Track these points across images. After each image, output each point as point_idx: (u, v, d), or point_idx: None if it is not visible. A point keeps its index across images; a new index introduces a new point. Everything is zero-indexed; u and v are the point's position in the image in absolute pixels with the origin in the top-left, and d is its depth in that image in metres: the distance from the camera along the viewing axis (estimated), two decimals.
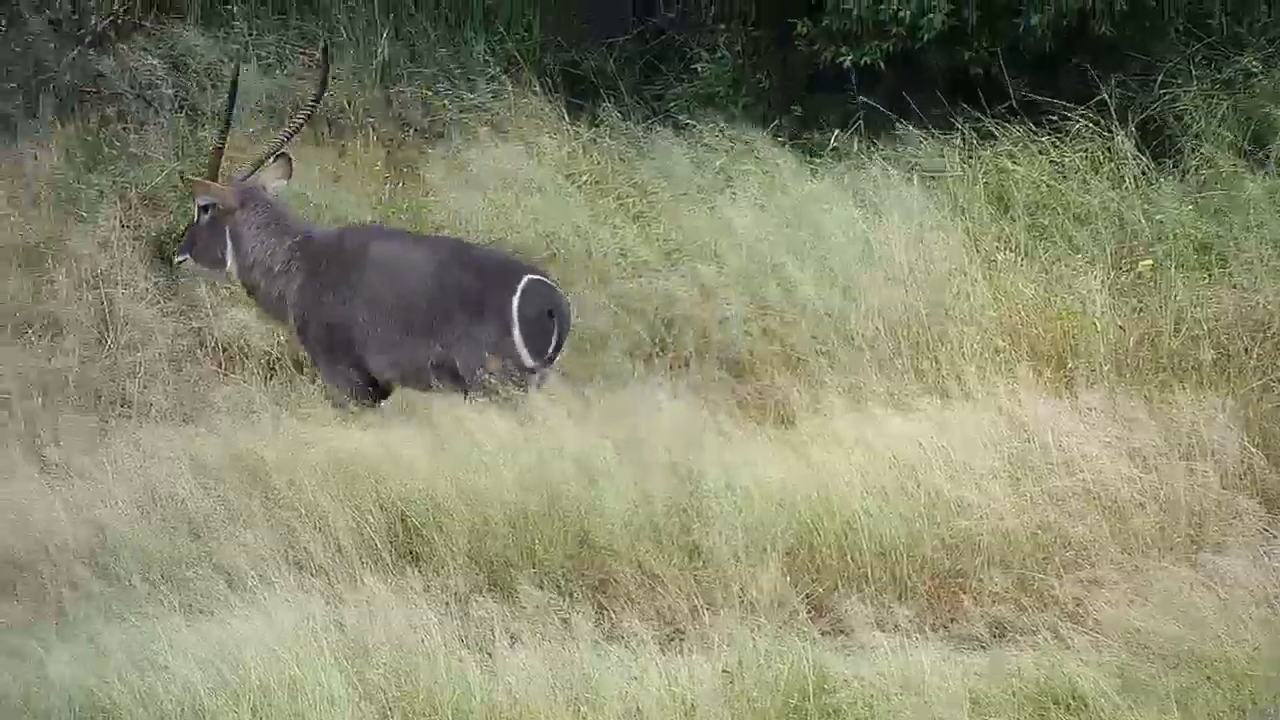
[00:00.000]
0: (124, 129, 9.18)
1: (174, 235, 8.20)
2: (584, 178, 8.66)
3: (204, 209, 7.66)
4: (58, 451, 6.36)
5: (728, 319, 7.33)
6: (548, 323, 7.09)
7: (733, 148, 8.48)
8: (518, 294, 7.13)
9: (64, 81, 9.50)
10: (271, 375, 7.40)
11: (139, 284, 7.87)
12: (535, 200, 8.26)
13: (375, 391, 7.40)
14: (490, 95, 9.40)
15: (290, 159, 7.65)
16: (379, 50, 9.84)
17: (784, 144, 8.47)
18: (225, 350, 7.58)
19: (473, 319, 7.19)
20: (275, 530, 5.69)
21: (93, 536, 5.80)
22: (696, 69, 9.53)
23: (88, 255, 7.99)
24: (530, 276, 7.23)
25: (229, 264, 7.64)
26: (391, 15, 10.05)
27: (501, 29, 10.18)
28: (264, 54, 9.74)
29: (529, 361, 7.02)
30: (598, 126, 9.07)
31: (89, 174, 8.68)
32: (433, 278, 7.27)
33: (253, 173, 7.66)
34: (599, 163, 8.80)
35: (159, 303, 7.87)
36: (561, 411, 6.06)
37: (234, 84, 7.76)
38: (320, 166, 8.67)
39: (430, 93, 9.55)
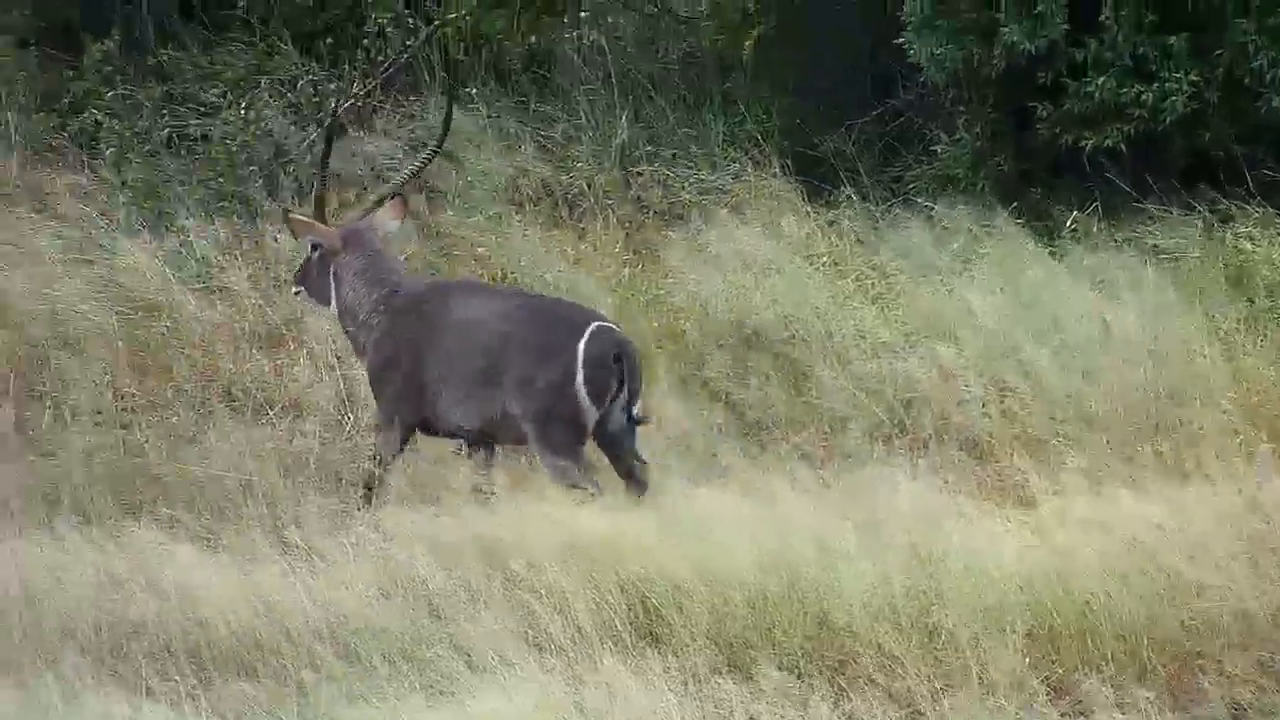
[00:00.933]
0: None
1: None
2: (823, 259, 9.20)
3: (314, 247, 8.31)
4: (299, 533, 6.84)
5: (967, 400, 7.75)
6: (612, 368, 7.57)
7: (971, 229, 8.96)
8: (584, 339, 7.64)
9: (303, 164, 10.43)
10: (509, 456, 7.86)
11: None
12: (774, 282, 8.77)
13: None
14: (729, 177, 10.01)
15: (405, 202, 8.32)
16: (618, 133, 10.49)
17: (1022, 225, 8.94)
18: None
19: (537, 365, 7.72)
20: (515, 611, 6.14)
21: (334, 618, 6.26)
22: (935, 151, 9.99)
23: (328, 337, 8.69)
24: (598, 323, 7.76)
25: (332, 304, 8.29)
26: (631, 98, 10.72)
27: (741, 111, 10.72)
28: (503, 136, 10.50)
29: (588, 406, 7.55)
30: (837, 208, 9.63)
31: None
32: (503, 327, 7.81)
33: (365, 215, 8.29)
34: (838, 244, 9.33)
35: None
36: (800, 492, 6.46)
37: (332, 122, 8.52)
38: (560, 249, 9.34)
39: (669, 174, 10.15)
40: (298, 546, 6.76)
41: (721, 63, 11.14)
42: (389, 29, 11.04)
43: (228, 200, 10.27)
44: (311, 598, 6.33)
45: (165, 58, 11.56)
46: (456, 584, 6.33)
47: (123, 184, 10.51)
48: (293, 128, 10.64)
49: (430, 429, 7.99)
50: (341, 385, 8.53)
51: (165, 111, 11.14)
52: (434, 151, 8.67)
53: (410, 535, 6.74)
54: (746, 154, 10.22)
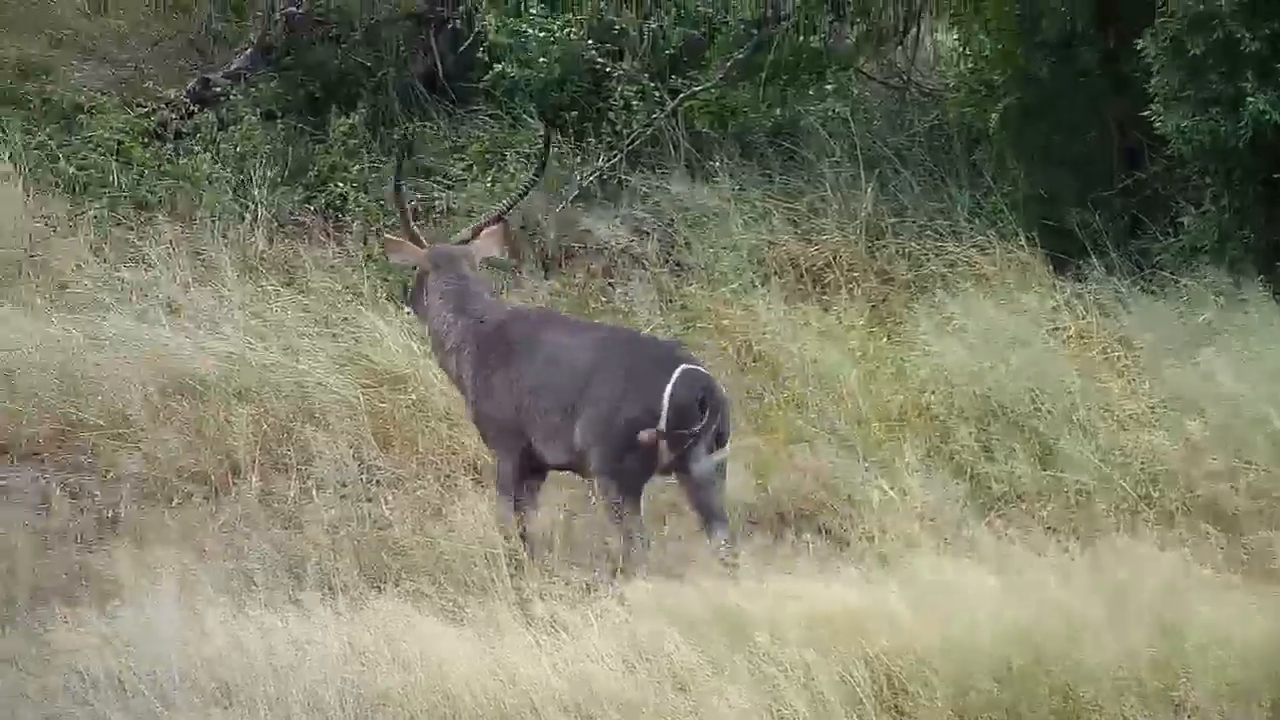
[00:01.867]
0: (610, 284, 10.74)
1: None
2: (1068, 332, 9.62)
3: (413, 268, 8.91)
4: (544, 605, 7.27)
5: (1214, 473, 8.10)
6: (697, 412, 7.98)
7: (1218, 301, 9.35)
8: (671, 381, 8.06)
9: (550, 237, 11.18)
10: (753, 530, 8.41)
11: None
12: (1020, 355, 9.18)
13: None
14: (975, 249, 10.49)
15: (509, 230, 8.91)
16: (864, 205, 11.08)
17: (1270, 297, 9.29)
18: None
19: (620, 400, 8.15)
20: (759, 685, 6.53)
21: (579, 690, 6.68)
22: (1182, 223, 10.36)
23: None
24: (686, 365, 8.17)
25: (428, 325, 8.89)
26: (876, 171, 11.30)
27: (987, 183, 11.28)
28: (748, 208, 11.12)
29: (664, 450, 7.99)
30: (1083, 281, 10.05)
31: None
32: (589, 359, 8.27)
33: (466, 240, 8.87)
34: (1083, 317, 9.74)
35: None
36: (1046, 565, 6.86)
37: (403, 146, 9.11)
38: (805, 321, 9.84)
39: (915, 247, 10.67)
40: (542, 619, 7.15)
41: (967, 135, 11.69)
42: (634, 102, 11.86)
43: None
44: (556, 670, 6.72)
45: (411, 131, 12.54)
46: (701, 657, 6.69)
47: (368, 257, 11.32)
48: (537, 200, 11.30)
49: (530, 462, 8.43)
50: None
51: (411, 184, 11.79)
52: (533, 181, 9.29)
53: (654, 608, 7.12)
54: (992, 226, 10.72)
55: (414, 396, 9.63)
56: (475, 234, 8.91)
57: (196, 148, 12.53)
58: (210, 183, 12.16)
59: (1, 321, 10.33)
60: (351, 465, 9.08)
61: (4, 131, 12.51)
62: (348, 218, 11.90)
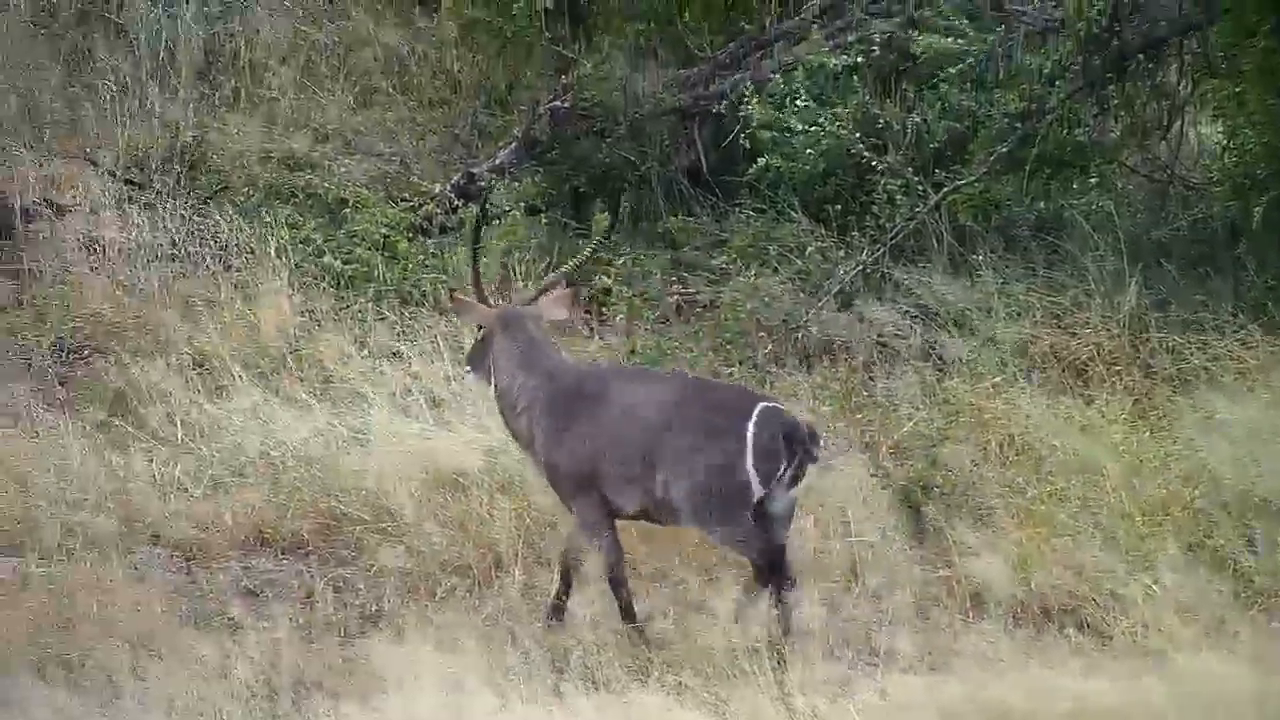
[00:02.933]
0: (870, 378, 11.22)
1: (918, 481, 10.00)
2: None
3: (478, 328, 9.48)
4: (805, 699, 7.83)
5: None
6: (780, 448, 8.59)
7: None
8: (752, 420, 8.67)
9: (812, 331, 11.67)
10: (1018, 623, 8.80)
11: (887, 530, 9.52)
12: None
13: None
14: (1238, 343, 10.80)
15: (578, 293, 9.50)
16: (1127, 299, 11.38)
17: None
18: (973, 597, 9.04)
19: (702, 445, 8.74)
20: None
21: None
22: None
23: (837, 502, 9.69)
24: (765, 404, 8.77)
25: (493, 385, 9.41)
26: (1139, 264, 11.63)
27: (1250, 277, 11.60)
28: (1010, 302, 11.53)
29: (756, 485, 8.59)
30: None
31: (836, 423, 10.57)
32: (666, 409, 8.85)
33: (533, 300, 9.44)
34: None
35: (907, 549, 9.49)
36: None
37: (484, 202, 9.60)
38: (1067, 416, 10.23)
39: (1178, 341, 10.99)
40: (804, 713, 7.69)
41: (1230, 228, 12.02)
42: (898, 196, 12.31)
43: (736, 366, 11.47)
44: None
45: (674, 224, 13.23)
46: None
47: (631, 350, 11.87)
48: (801, 295, 11.89)
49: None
50: (853, 551, 9.45)
51: (674, 278, 12.61)
52: (600, 243, 10.01)
53: (917, 702, 7.64)
54: (1256, 320, 10.99)
55: None
56: (540, 295, 9.54)
57: (460, 242, 13.19)
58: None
59: (266, 415, 11.01)
60: None
61: (271, 225, 13.34)
62: (610, 311, 12.50)
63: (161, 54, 16.33)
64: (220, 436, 10.94)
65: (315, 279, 13.00)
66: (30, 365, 12.31)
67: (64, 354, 12.52)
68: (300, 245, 13.32)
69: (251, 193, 14.30)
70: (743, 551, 8.93)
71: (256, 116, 15.96)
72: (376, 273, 13.09)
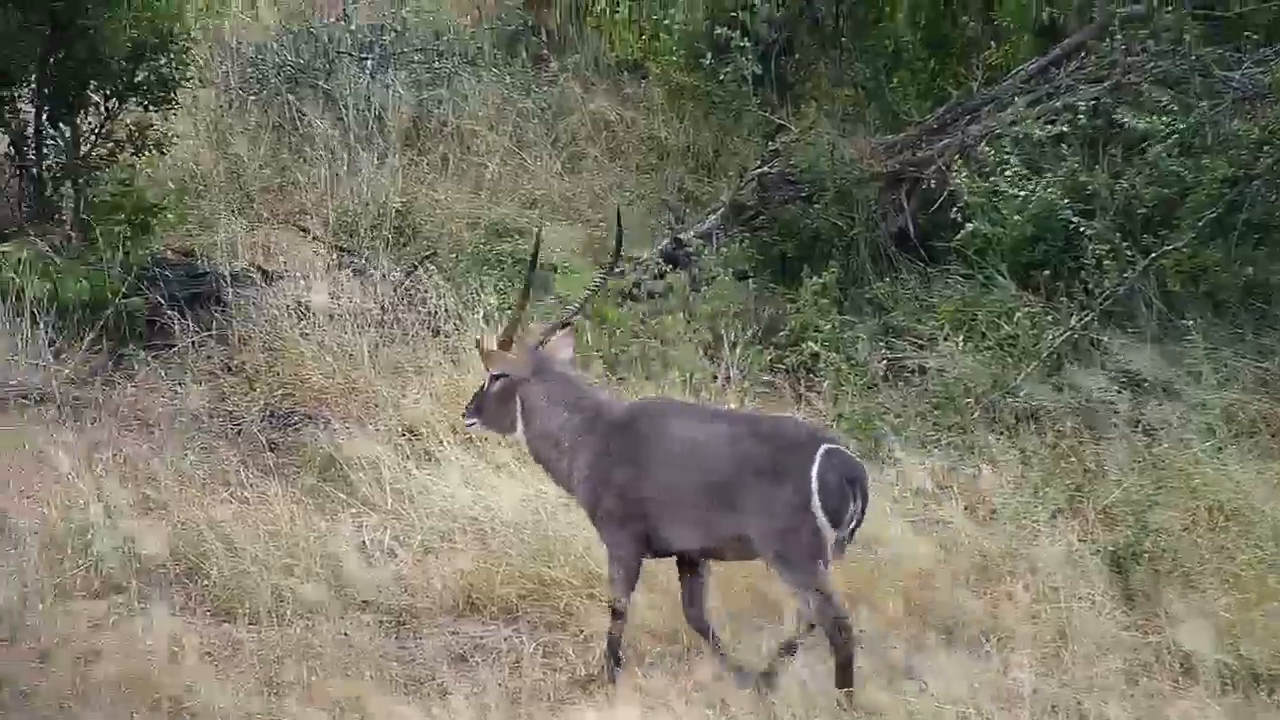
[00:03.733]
0: (1078, 444, 11.43)
1: (1127, 547, 10.16)
2: None
3: (496, 377, 9.70)
4: None
5: None
6: (847, 490, 8.84)
7: None
8: (816, 461, 8.89)
9: (1019, 396, 11.95)
10: (1228, 689, 8.95)
11: (1097, 597, 9.72)
12: None
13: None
14: None
15: (574, 331, 9.76)
16: None
17: None
18: (1182, 663, 9.17)
19: (771, 487, 8.97)
20: None
21: None
22: None
23: (1047, 569, 9.90)
24: (828, 445, 8.99)
25: (518, 432, 9.69)
26: None
27: None
28: (1219, 367, 11.80)
29: (828, 529, 8.85)
30: None
31: (1045, 489, 10.82)
32: (729, 449, 9.07)
33: (543, 342, 9.71)
34: None
35: (1117, 615, 9.67)
36: None
37: (536, 246, 9.97)
38: (1277, 481, 10.49)
39: None
40: None
41: None
42: (1106, 261, 12.55)
43: (944, 433, 11.83)
44: None
45: (881, 289, 13.56)
46: None
47: (839, 416, 12.16)
48: (1008, 360, 12.16)
49: (651, 550, 9.39)
50: (1062, 618, 9.59)
51: (882, 343, 12.93)
52: (604, 279, 10.32)
53: None
54: None
55: (885, 555, 10.19)
56: (548, 337, 9.84)
57: (668, 308, 13.62)
58: (682, 343, 13.15)
59: (475, 481, 11.29)
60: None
61: (478, 291, 13.82)
62: (818, 377, 12.78)
63: (371, 120, 17.10)
64: (429, 502, 11.18)
65: None
66: (240, 430, 12.70)
67: (273, 419, 12.92)
68: (507, 310, 13.35)
69: (459, 258, 14.90)
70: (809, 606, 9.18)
71: (465, 182, 16.72)
72: (584, 338, 13.28)
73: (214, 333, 13.84)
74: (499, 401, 9.78)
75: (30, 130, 14.81)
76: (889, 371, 12.85)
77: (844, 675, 9.19)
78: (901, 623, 9.77)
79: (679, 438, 9.42)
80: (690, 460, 9.30)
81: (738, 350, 12.92)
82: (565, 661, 9.82)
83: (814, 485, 9.04)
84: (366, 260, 15.00)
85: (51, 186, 14.89)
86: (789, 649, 9.39)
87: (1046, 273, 12.86)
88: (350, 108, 17.24)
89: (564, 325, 9.98)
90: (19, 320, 13.07)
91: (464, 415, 10.10)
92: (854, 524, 9.12)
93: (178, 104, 15.35)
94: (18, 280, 13.20)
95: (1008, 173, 12.88)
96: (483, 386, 9.89)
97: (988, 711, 8.85)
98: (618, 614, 9.52)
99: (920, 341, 12.98)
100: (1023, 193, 12.77)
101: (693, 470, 9.28)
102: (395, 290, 14.33)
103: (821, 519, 9.03)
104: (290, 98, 17.62)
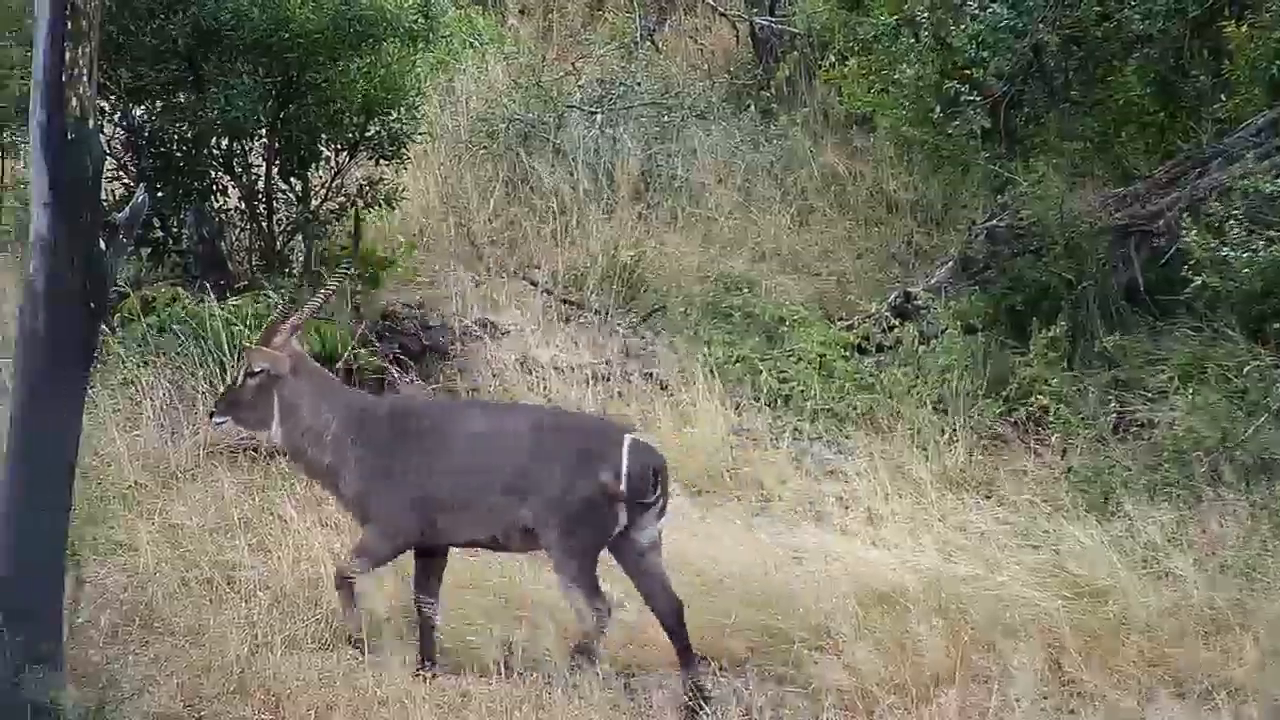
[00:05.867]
0: None
1: None
2: None
3: (252, 374, 10.05)
4: None
5: None
6: (651, 478, 9.42)
7: None
8: (625, 451, 9.46)
9: (1248, 448, 12.07)
10: None
11: None
12: None
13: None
14: None
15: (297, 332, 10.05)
16: None
17: None
18: None
19: (575, 475, 9.49)
20: None
21: None
22: None
23: (1278, 623, 10.01)
24: (632, 436, 9.54)
25: (273, 428, 10.05)
26: None
27: None
28: None
29: (621, 516, 9.46)
30: None
31: (1275, 541, 10.98)
32: (530, 439, 9.53)
33: (290, 337, 10.05)
34: None
35: None
36: None
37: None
38: None
39: None
40: None
41: None
42: None
43: (1173, 486, 11.91)
44: None
45: (1111, 343, 13.66)
46: None
47: (1069, 470, 12.40)
48: (1238, 413, 12.22)
49: (427, 542, 9.84)
50: None
51: (1111, 397, 13.09)
52: (342, 277, 10.68)
53: None
54: None
55: (1115, 609, 10.39)
56: (294, 333, 10.22)
57: (897, 361, 13.97)
58: (910, 396, 13.50)
59: (706, 535, 11.52)
60: (1051, 679, 9.87)
61: (706, 345, 14.19)
62: (1047, 430, 13.03)
63: (600, 174, 17.55)
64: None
65: (751, 398, 13.67)
66: None
67: None
68: (736, 364, 14.07)
69: (688, 311, 15.20)
70: (572, 596, 9.79)
71: (693, 236, 17.08)
72: (812, 391, 13.76)
73: (442, 385, 14.18)
74: (256, 397, 10.18)
75: (262, 184, 15.22)
76: (1118, 425, 12.99)
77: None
78: (1132, 675, 9.92)
79: (468, 430, 10.02)
80: (483, 452, 9.85)
81: (965, 403, 13.25)
82: (795, 714, 9.96)
83: (623, 475, 9.65)
84: (594, 314, 15.44)
85: (282, 240, 15.31)
86: (584, 651, 9.89)
87: (1276, 326, 12.87)
88: (579, 161, 17.70)
89: (286, 322, 10.32)
90: None
91: (211, 414, 10.48)
92: (659, 514, 9.80)
93: (408, 158, 15.70)
94: (251, 335, 13.34)
95: (1234, 225, 12.79)
96: (234, 383, 10.40)
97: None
98: (345, 581, 10.00)
99: (1149, 395, 13.11)
100: (1249, 251, 12.64)
101: (483, 461, 9.83)
102: (623, 344, 14.79)
103: (620, 509, 9.67)
104: (520, 152, 18.08)
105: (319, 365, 10.46)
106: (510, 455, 9.84)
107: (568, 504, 9.73)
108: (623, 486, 9.68)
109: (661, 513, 9.91)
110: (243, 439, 12.23)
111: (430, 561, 10.17)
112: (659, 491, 9.80)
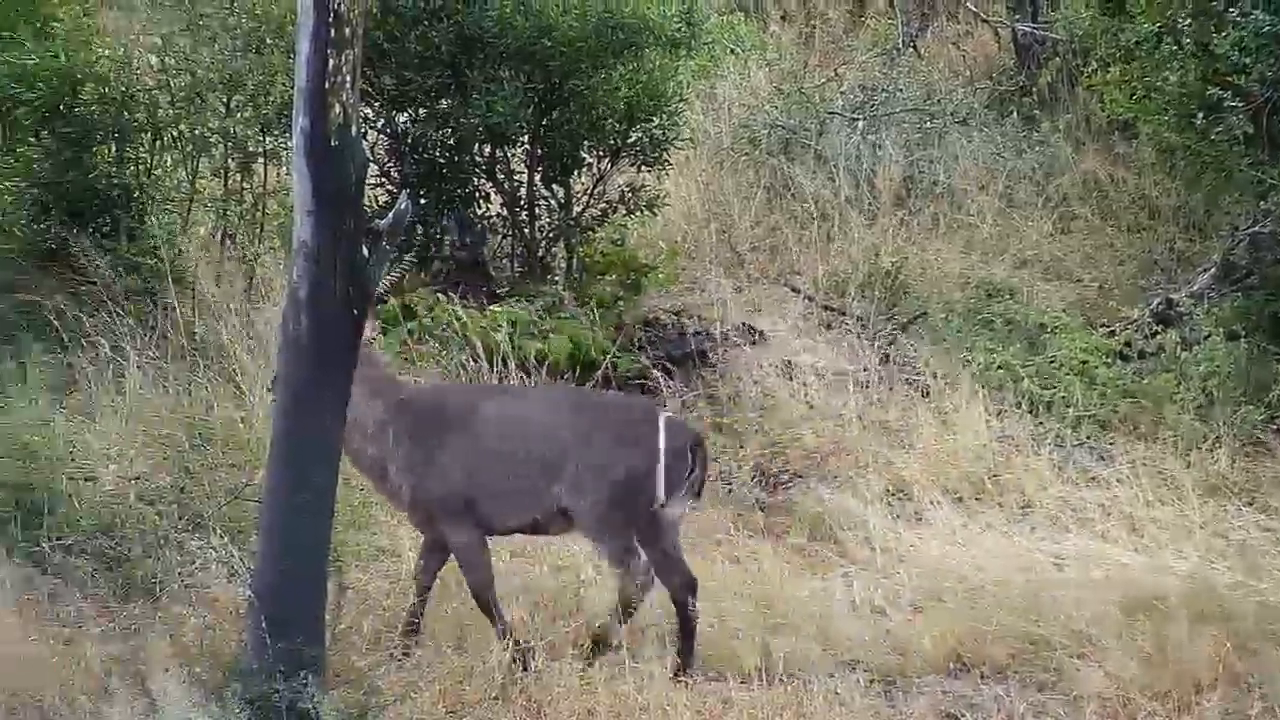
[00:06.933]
0: None
1: None
2: None
3: None
4: None
5: None
6: (688, 458, 9.29)
7: None
8: (661, 430, 9.36)
9: None
10: None
11: None
12: None
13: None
14: None
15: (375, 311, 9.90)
16: None
17: None
18: None
19: (612, 455, 9.48)
20: None
21: None
22: None
23: None
24: (668, 414, 9.48)
25: None
26: None
27: None
28: None
29: (661, 495, 9.34)
30: None
31: None
32: (565, 421, 9.46)
33: None
34: None
35: None
36: None
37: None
38: None
39: None
40: None
41: None
42: None
43: None
44: None
45: None
46: None
47: None
48: None
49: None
50: None
51: None
52: (399, 254, 10.66)
53: None
54: None
55: None
56: None
57: (1159, 367, 13.88)
58: (1173, 402, 13.42)
59: (965, 540, 11.62)
60: None
61: (968, 352, 14.24)
62: None
63: (861, 180, 17.62)
64: (918, 560, 11.46)
65: (1013, 405, 13.61)
66: (730, 490, 13.08)
67: (763, 479, 13.26)
68: (998, 370, 14.04)
69: (949, 318, 15.20)
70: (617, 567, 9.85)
71: (955, 242, 17.10)
72: (1075, 398, 13.69)
73: (703, 392, 14.32)
74: None
75: (523, 191, 15.50)
76: None
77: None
78: None
79: (501, 415, 10.07)
80: (516, 436, 9.92)
81: (1228, 410, 13.15)
82: None
83: (660, 453, 9.70)
84: (855, 320, 15.49)
85: (544, 247, 15.60)
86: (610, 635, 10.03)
87: None
88: (840, 167, 17.79)
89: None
90: (508, 380, 13.48)
91: (269, 389, 10.67)
92: (688, 489, 9.81)
93: (670, 164, 15.91)
94: (512, 340, 13.73)
95: None
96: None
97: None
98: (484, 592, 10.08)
99: None
100: None
101: (518, 446, 9.91)
102: (884, 350, 14.83)
103: (659, 487, 9.73)
104: (781, 158, 18.24)
105: (371, 353, 10.34)
106: (549, 438, 9.94)
107: (608, 484, 9.83)
108: (660, 464, 9.78)
109: (697, 493, 10.05)
110: None
111: (433, 556, 10.36)
112: (695, 469, 9.88)
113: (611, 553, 9.98)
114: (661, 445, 9.82)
